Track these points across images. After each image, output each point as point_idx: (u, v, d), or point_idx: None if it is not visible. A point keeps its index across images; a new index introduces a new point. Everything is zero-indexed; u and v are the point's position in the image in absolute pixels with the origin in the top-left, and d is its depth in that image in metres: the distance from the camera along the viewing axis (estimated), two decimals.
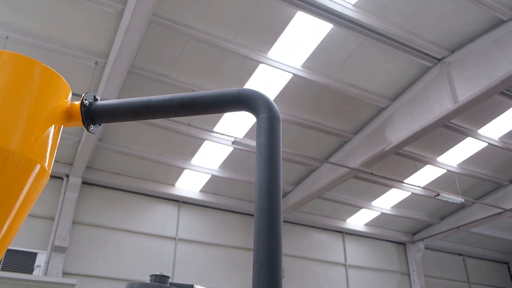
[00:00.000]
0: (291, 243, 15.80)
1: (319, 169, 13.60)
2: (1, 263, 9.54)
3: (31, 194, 2.18)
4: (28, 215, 11.65)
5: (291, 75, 10.11)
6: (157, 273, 9.42)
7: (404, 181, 14.07)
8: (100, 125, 2.49)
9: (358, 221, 17.07)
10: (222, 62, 9.72)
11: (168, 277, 9.54)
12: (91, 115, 2.38)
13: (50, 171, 2.31)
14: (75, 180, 12.34)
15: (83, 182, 12.70)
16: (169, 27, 8.75)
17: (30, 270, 9.61)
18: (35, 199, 2.28)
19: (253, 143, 10.52)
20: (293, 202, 14.39)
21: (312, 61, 9.84)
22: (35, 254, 9.80)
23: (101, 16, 8.59)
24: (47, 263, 11.03)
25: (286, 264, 15.07)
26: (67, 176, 12.39)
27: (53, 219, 11.97)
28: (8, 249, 9.69)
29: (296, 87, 10.50)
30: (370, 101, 11.05)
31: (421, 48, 9.53)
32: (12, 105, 2.13)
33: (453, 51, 9.69)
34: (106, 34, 8.95)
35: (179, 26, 8.77)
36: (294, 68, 9.94)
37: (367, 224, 17.27)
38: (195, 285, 8.82)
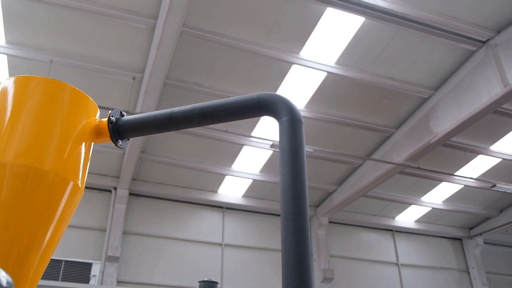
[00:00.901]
0: (339, 244, 15.55)
1: (361, 167, 13.32)
2: (61, 274, 10.03)
3: (66, 210, 2.27)
4: (82, 228, 12.23)
5: (325, 73, 9.98)
6: (206, 279, 9.56)
7: (455, 173, 13.50)
8: (128, 139, 2.57)
9: (408, 218, 16.53)
10: (254, 66, 9.76)
11: (216, 283, 9.65)
12: (118, 130, 2.45)
13: (84, 187, 2.40)
14: (123, 192, 12.77)
15: (130, 194, 13.12)
16: (200, 36, 8.89)
17: (87, 280, 10.04)
18: (71, 214, 2.38)
19: None
20: (337, 202, 14.18)
21: (346, 57, 9.67)
22: (90, 265, 10.23)
23: (135, 33, 8.86)
24: (102, 272, 11.47)
25: (335, 265, 14.84)
26: (115, 188, 12.85)
27: (104, 230, 12.45)
28: (65, 261, 10.18)
29: (331, 85, 10.35)
30: (411, 93, 10.70)
31: (463, 32, 9.06)
32: (44, 126, 2.23)
33: (498, 32, 9.15)
34: (140, 50, 9.22)
35: (209, 34, 8.89)
36: (327, 65, 9.80)
37: (418, 221, 16.71)
38: None
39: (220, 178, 13.43)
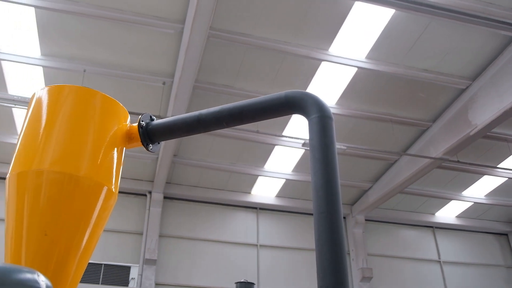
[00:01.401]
0: (377, 242, 15.25)
1: (397, 162, 13.01)
2: (101, 277, 10.32)
3: (102, 214, 2.30)
4: (120, 232, 12.51)
5: (356, 69, 9.81)
6: (242, 280, 9.58)
7: (498, 166, 12.97)
8: (159, 143, 2.59)
9: (448, 213, 16.00)
10: (283, 65, 9.71)
11: (253, 284, 9.67)
12: (149, 134, 2.47)
13: (118, 191, 2.43)
14: (158, 196, 13.00)
15: (165, 197, 13.32)
16: (228, 38, 8.92)
17: (126, 283, 10.27)
18: (107, 218, 2.41)
19: None
20: (373, 199, 13.91)
21: (377, 51, 9.47)
22: (129, 268, 10.46)
23: (163, 39, 8.99)
24: (140, 275, 11.71)
25: (374, 264, 14.57)
26: (150, 192, 13.09)
27: (141, 234, 12.69)
28: (105, 264, 10.46)
29: (362, 80, 10.17)
30: (447, 84, 10.35)
31: (501, 17, 8.68)
32: (78, 134, 2.28)
33: None
34: (169, 55, 9.35)
35: (237, 36, 8.90)
36: (358, 61, 9.63)
37: (459, 216, 16.16)
38: None
39: (253, 178, 13.44)
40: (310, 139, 2.09)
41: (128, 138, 2.47)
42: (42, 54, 9.28)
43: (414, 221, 15.72)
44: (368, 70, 9.78)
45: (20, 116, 11.01)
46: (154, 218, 12.80)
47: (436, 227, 16.21)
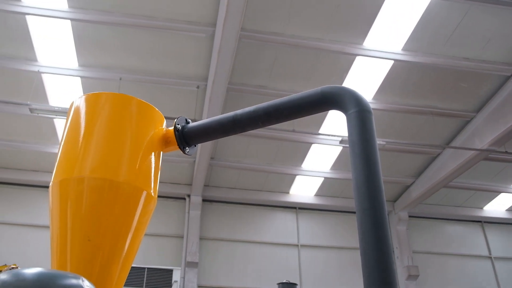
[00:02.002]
0: (422, 238, 14.79)
1: (440, 156, 12.57)
2: (144, 281, 10.53)
3: (142, 219, 2.32)
4: (161, 236, 12.73)
5: (392, 62, 9.56)
6: (284, 281, 9.52)
7: None
8: (195, 146, 2.58)
9: (498, 207, 15.28)
10: (317, 62, 9.58)
11: (295, 284, 9.59)
12: (185, 137, 2.47)
13: (157, 195, 2.44)
14: (196, 199, 13.14)
15: (204, 200, 13.44)
16: (259, 38, 8.89)
17: (169, 286, 10.44)
18: (147, 223, 2.42)
19: None
20: (416, 195, 13.50)
21: (414, 42, 9.19)
22: (171, 271, 10.63)
23: (195, 43, 9.07)
24: (183, 278, 11.86)
25: (420, 262, 14.13)
26: (189, 196, 13.25)
27: (182, 237, 12.86)
28: (148, 268, 10.68)
29: (400, 73, 9.89)
30: (491, 72, 9.90)
31: None
32: (116, 140, 2.30)
33: None
34: (202, 58, 9.42)
35: (268, 35, 8.86)
36: (394, 53, 9.37)
37: (510, 210, 15.45)
38: None
39: (291, 178, 13.35)
40: (349, 134, 2.03)
41: (164, 142, 2.48)
42: (79, 65, 9.57)
43: (460, 216, 15.13)
44: (405, 62, 9.51)
45: (61, 126, 11.41)
46: (194, 221, 12.94)
47: (485, 222, 15.54)
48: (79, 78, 9.83)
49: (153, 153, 2.38)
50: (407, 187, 14.00)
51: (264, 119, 2.35)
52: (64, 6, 8.34)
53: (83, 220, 2.14)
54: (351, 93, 2.14)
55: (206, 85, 9.81)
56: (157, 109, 2.56)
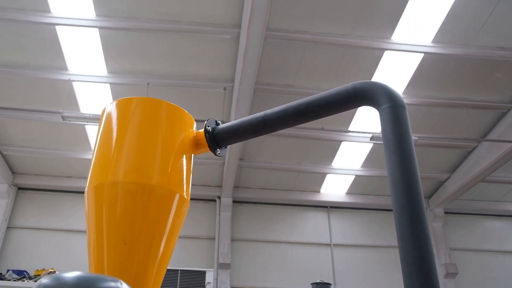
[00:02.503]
0: (459, 235, 14.36)
1: (476, 149, 12.17)
2: (178, 283, 10.64)
3: (176, 221, 2.33)
4: (193, 238, 12.83)
5: (422, 55, 9.32)
6: (318, 281, 9.45)
7: None
8: (226, 147, 2.58)
9: None
10: (344, 59, 9.46)
11: (329, 284, 9.49)
12: (216, 139, 2.47)
13: (189, 198, 2.45)
14: (227, 200, 13.18)
15: (234, 201, 13.45)
16: (284, 37, 8.85)
17: (202, 287, 10.51)
18: (181, 225, 2.43)
19: None
20: (452, 190, 13.12)
21: (444, 34, 8.93)
22: (204, 273, 10.69)
23: (220, 45, 9.11)
24: (216, 279, 11.92)
25: (457, 259, 13.72)
26: (219, 197, 13.32)
27: (213, 238, 12.93)
28: (181, 270, 10.79)
29: (431, 66, 9.64)
30: None
31: None
32: (148, 144, 2.32)
33: None
34: (228, 60, 9.45)
35: (293, 34, 8.80)
36: (424, 46, 9.14)
37: None
38: None
39: (321, 177, 13.23)
40: (383, 130, 1.98)
41: (195, 144, 2.48)
42: (108, 72, 9.77)
43: (500, 211, 14.59)
44: (436, 54, 9.26)
45: (92, 132, 11.68)
46: (225, 222, 13.00)
47: None
48: (108, 84, 10.05)
49: (184, 156, 2.40)
50: (442, 182, 13.64)
51: (294, 118, 2.32)
52: (92, 14, 8.54)
53: (118, 223, 2.17)
54: (383, 87, 2.09)
55: (232, 86, 9.84)
56: (186, 112, 2.57)
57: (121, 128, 2.41)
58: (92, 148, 12.54)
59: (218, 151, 2.54)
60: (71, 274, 1.69)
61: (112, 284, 1.68)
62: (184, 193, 2.36)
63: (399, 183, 1.80)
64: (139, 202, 2.22)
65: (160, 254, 2.31)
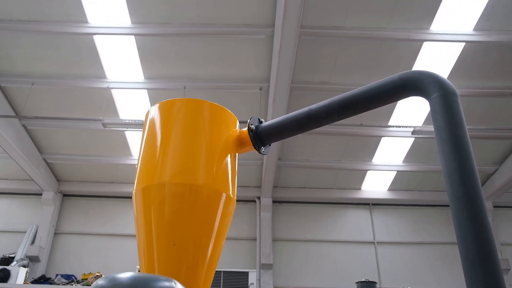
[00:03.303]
0: (510, 230, 13.75)
1: None
2: (221, 284, 10.72)
3: (223, 221, 2.33)
4: (234, 239, 12.90)
5: (463, 44, 8.99)
6: (363, 279, 9.26)
7: None
8: (269, 145, 2.55)
9: None
10: (381, 53, 9.25)
11: (375, 282, 9.28)
12: (259, 137, 2.44)
13: (236, 197, 2.44)
14: (266, 201, 13.17)
15: (274, 201, 13.44)
16: (319, 34, 8.75)
17: None
18: (228, 225, 2.43)
19: None
20: (501, 183, 12.56)
21: (486, 21, 8.57)
22: (247, 273, 10.72)
23: (255, 45, 9.12)
24: (259, 280, 11.92)
25: (509, 255, 13.15)
26: (259, 198, 13.33)
27: (255, 239, 12.95)
28: (224, 271, 10.86)
29: (472, 55, 9.28)
30: None
31: None
32: (192, 144, 2.33)
33: None
34: (263, 60, 9.45)
35: (328, 30, 8.70)
36: (465, 34, 8.82)
37: None
38: None
39: (362, 174, 12.99)
40: (434, 120, 1.90)
41: (239, 143, 2.48)
42: (145, 78, 9.98)
43: None
44: (478, 42, 8.91)
45: (132, 138, 11.93)
46: (266, 223, 12.98)
47: None
48: (145, 90, 10.25)
49: (229, 155, 2.39)
50: (490, 175, 13.09)
51: (340, 112, 2.27)
52: (127, 22, 8.74)
53: (167, 225, 2.18)
54: (433, 76, 2.01)
55: (268, 86, 9.82)
56: (229, 111, 2.57)
57: (166, 130, 2.43)
58: (132, 153, 12.94)
59: (263, 149, 2.52)
60: (126, 275, 1.71)
61: (167, 283, 1.69)
62: (231, 192, 2.35)
63: (454, 173, 1.72)
64: (186, 203, 2.23)
65: (209, 254, 2.31)
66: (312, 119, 2.36)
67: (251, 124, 2.45)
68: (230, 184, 2.33)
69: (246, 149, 2.52)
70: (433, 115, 1.92)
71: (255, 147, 2.45)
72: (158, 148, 2.34)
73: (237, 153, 2.50)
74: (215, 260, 2.41)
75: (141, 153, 2.43)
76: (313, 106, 2.37)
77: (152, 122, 2.49)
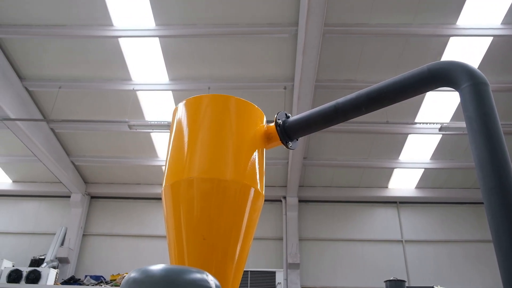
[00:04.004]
0: None
1: None
2: (249, 284, 10.74)
3: (252, 216, 2.34)
4: (262, 239, 12.92)
5: (491, 38, 8.77)
6: (392, 278, 9.12)
7: None
8: (297, 140, 2.56)
9: None
10: (406, 49, 9.11)
11: (404, 281, 9.14)
12: (287, 132, 2.45)
13: (264, 192, 2.46)
14: (292, 200, 13.13)
15: (300, 201, 13.39)
16: (344, 32, 8.69)
17: None
18: (257, 220, 2.44)
19: (463, 124, 9.43)
20: None
21: None
22: (274, 273, 10.70)
23: (279, 44, 9.12)
24: (286, 280, 11.89)
25: None
26: (285, 197, 13.30)
27: (281, 239, 12.93)
28: (251, 271, 10.88)
29: (501, 49, 9.03)
30: None
31: None
32: (220, 139, 2.35)
33: None
34: (287, 59, 9.44)
35: (353, 27, 8.63)
36: (492, 28, 8.60)
37: None
38: (435, 287, 8.21)
39: (388, 172, 12.81)
40: (465, 110, 1.88)
41: (267, 138, 2.48)
42: (170, 79, 10.09)
43: None
44: (507, 36, 8.68)
45: (158, 139, 12.07)
46: (292, 222, 12.95)
47: None
48: (170, 91, 10.37)
49: (256, 151, 2.41)
50: None
51: (367, 104, 2.26)
52: (152, 24, 8.87)
53: (196, 219, 2.21)
54: (463, 66, 1.98)
55: (293, 85, 9.80)
56: (256, 106, 2.58)
57: (194, 126, 2.46)
58: (158, 154, 13.05)
59: (290, 143, 2.52)
60: (158, 267, 1.75)
61: (198, 275, 1.72)
62: (259, 187, 2.36)
63: (486, 164, 1.70)
64: (215, 198, 2.24)
65: (238, 249, 2.32)
66: (339, 113, 2.35)
67: (278, 119, 2.46)
68: (258, 179, 2.34)
69: (274, 144, 2.52)
70: (463, 106, 1.90)
71: (282, 142, 2.45)
72: (187, 144, 2.37)
73: (264, 149, 2.51)
74: (245, 256, 2.42)
75: (170, 150, 2.47)
76: (340, 99, 2.37)
77: (180, 118, 2.53)
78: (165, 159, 2.77)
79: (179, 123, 2.50)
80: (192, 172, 2.23)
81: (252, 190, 2.27)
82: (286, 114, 2.51)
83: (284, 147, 2.48)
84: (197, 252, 2.21)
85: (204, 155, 2.28)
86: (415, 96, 2.18)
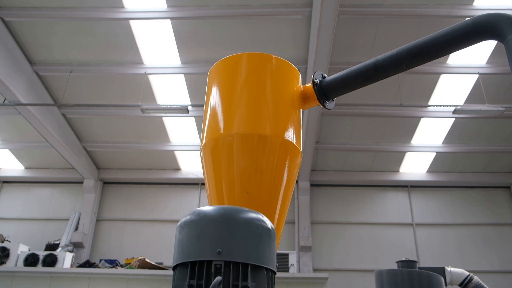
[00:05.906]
0: None
1: None
2: None
3: (291, 172, 2.37)
4: None
5: None
6: (403, 259, 9.17)
7: None
8: (333, 100, 2.57)
9: None
10: (421, 30, 9.02)
11: (416, 262, 9.17)
12: (324, 91, 2.46)
13: (301, 150, 2.48)
14: (304, 184, 13.16)
15: (312, 185, 13.41)
16: (358, 13, 8.62)
17: (286, 269, 10.61)
18: (295, 177, 2.47)
19: (477, 107, 9.37)
20: None
21: None
22: (287, 255, 10.79)
23: (293, 25, 9.06)
24: (298, 262, 11.98)
25: None
26: (297, 182, 13.28)
27: (293, 222, 12.99)
28: None
29: None
30: None
31: None
32: (259, 96, 2.37)
33: None
34: (301, 41, 9.37)
35: (368, 8, 8.55)
36: (511, 9, 8.54)
37: None
38: (446, 267, 8.19)
39: (400, 156, 12.78)
40: (511, 62, 1.88)
41: (303, 98, 2.49)
42: (182, 62, 9.99)
43: None
44: None
45: (170, 124, 11.98)
46: (304, 206, 12.99)
47: None
48: (182, 75, 10.27)
49: (295, 110, 2.43)
50: None
51: (408, 61, 2.26)
52: (163, 6, 8.77)
53: (237, 174, 2.23)
54: (509, 17, 1.98)
55: (306, 67, 9.74)
56: (293, 65, 2.60)
57: (232, 83, 2.48)
58: (171, 139, 12.90)
59: (327, 103, 2.53)
60: (213, 207, 1.78)
61: (254, 214, 1.76)
62: (297, 145, 2.38)
63: None
64: (255, 153, 2.26)
65: (279, 204, 2.36)
66: (379, 70, 2.36)
67: (316, 79, 2.47)
68: (295, 137, 2.36)
69: (311, 104, 2.53)
70: (509, 58, 1.90)
71: (320, 102, 2.46)
72: (225, 101, 2.39)
73: (301, 109, 2.52)
74: (284, 212, 2.46)
75: (208, 108, 2.49)
76: (380, 56, 2.37)
77: (218, 77, 2.55)
78: (202, 117, 2.78)
79: (218, 81, 2.53)
80: (232, 128, 2.26)
81: (291, 146, 2.30)
82: (322, 74, 2.51)
83: (321, 106, 2.49)
84: (241, 206, 2.24)
85: (244, 111, 2.30)
86: (459, 50, 2.18)
